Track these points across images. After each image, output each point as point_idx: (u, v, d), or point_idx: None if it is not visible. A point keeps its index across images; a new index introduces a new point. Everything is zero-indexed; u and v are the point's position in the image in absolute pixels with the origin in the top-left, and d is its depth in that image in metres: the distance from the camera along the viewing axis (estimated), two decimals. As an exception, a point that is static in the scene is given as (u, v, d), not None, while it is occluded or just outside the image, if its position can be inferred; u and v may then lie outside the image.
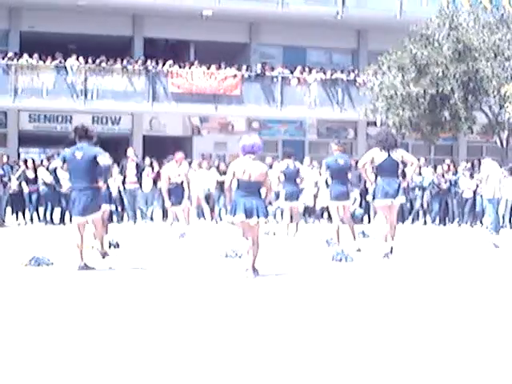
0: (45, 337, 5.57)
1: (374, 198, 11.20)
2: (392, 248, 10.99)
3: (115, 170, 16.52)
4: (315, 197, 19.99)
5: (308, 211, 20.43)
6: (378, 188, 11.02)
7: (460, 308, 7.07)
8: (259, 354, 5.15)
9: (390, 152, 10.93)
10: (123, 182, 18.23)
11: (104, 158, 9.63)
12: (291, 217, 14.95)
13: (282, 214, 16.41)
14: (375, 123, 24.70)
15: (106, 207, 11.59)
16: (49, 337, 5.57)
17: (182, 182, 13.83)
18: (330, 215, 19.64)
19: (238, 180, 9.15)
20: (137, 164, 18.43)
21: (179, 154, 13.94)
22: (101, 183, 9.72)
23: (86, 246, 11.78)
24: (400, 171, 11.21)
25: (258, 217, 9.03)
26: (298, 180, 14.85)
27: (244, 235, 9.22)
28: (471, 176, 19.71)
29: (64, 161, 9.52)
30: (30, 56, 24.95)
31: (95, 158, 9.36)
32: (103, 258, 9.76)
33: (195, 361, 4.93)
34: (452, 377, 4.63)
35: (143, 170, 19.25)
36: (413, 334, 5.83)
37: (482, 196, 17.79)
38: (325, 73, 27.57)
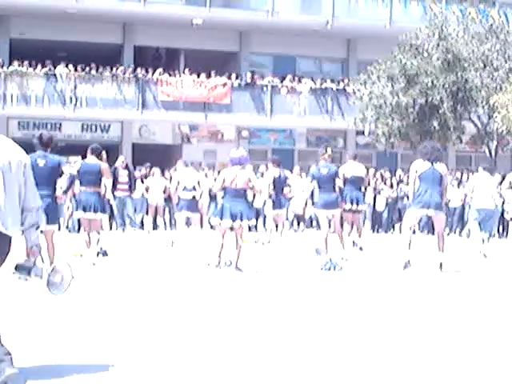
0: (31, 343, 5.52)
1: (409, 205, 11.14)
2: (441, 263, 10.86)
3: (109, 180, 16.43)
4: (305, 205, 19.96)
5: (298, 220, 20.43)
6: (416, 196, 10.89)
7: (449, 316, 7.06)
8: (249, 362, 5.15)
9: (434, 163, 10.91)
10: (113, 190, 18.09)
11: (70, 168, 9.67)
12: (276, 225, 15.21)
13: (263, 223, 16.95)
14: (363, 133, 24.80)
15: (100, 216, 11.51)
16: (35, 343, 5.53)
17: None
18: (318, 223, 19.82)
19: (225, 188, 10.23)
20: (129, 172, 18.30)
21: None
22: (59, 193, 9.56)
23: (75, 254, 11.75)
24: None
25: (242, 220, 10.19)
26: (285, 189, 15.04)
27: (222, 240, 10.39)
28: (461, 185, 19.70)
29: None
30: (20, 63, 24.88)
31: (59, 166, 9.25)
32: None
33: (188, 366, 4.90)
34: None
35: (135, 178, 19.12)
36: (403, 344, 5.82)
37: (470, 206, 17.77)
38: (315, 82, 27.63)
